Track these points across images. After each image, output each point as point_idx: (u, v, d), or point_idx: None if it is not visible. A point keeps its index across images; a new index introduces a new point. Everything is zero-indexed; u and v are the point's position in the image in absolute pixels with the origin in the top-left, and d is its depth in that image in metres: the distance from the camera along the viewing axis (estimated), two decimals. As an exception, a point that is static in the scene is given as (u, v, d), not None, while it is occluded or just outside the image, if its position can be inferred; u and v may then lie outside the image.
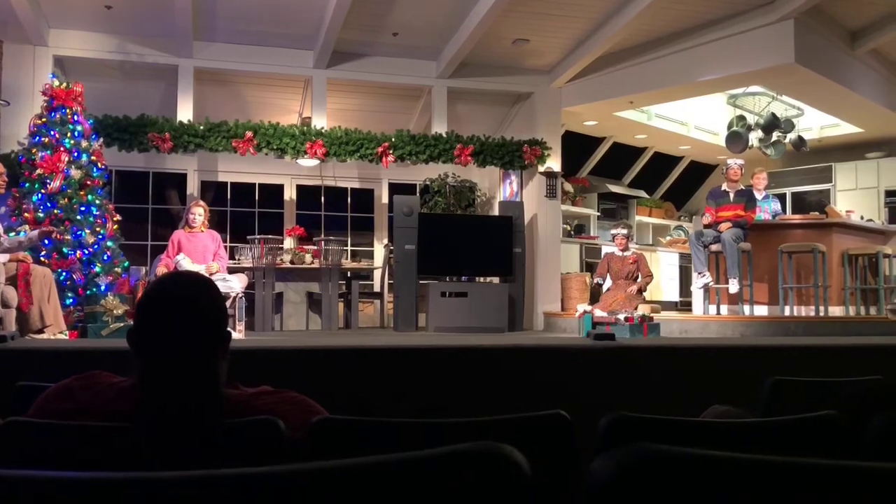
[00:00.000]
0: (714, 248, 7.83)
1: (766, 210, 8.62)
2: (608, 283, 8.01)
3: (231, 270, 7.24)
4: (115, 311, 5.92)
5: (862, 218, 9.53)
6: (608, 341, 4.01)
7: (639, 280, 8.06)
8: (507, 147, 8.64)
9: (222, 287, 6.27)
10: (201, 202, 7.05)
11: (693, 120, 10.27)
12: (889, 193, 10.41)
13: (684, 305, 10.58)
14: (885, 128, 9.99)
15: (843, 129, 10.30)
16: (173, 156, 8.10)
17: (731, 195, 7.89)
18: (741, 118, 9.24)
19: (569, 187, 10.43)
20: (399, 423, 1.48)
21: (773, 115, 9.08)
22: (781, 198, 11.22)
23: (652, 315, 7.31)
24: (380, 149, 8.17)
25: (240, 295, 6.56)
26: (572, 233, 10.08)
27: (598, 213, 10.77)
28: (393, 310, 8.26)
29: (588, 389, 3.60)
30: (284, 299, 8.54)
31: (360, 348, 3.27)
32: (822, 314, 7.66)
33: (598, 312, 7.33)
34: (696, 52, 7.82)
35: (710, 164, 12.25)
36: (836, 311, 7.99)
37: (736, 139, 9.20)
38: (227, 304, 6.35)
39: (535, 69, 8.83)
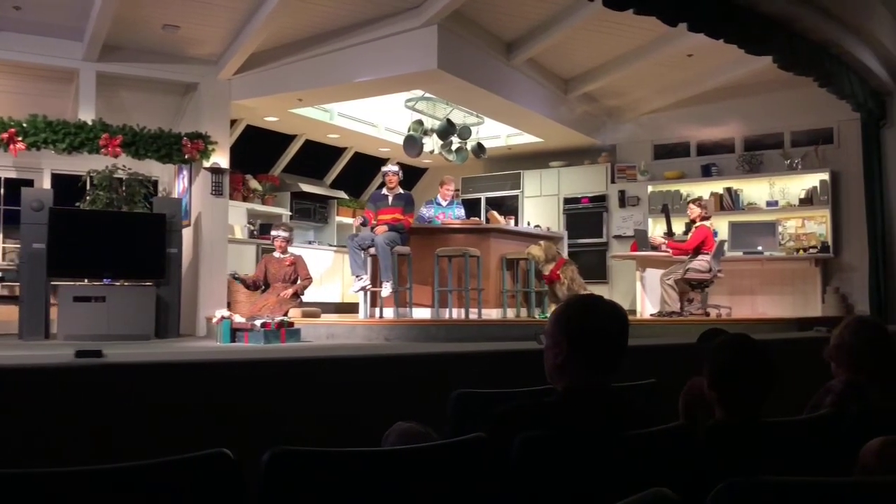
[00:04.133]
0: (372, 251, 7.75)
1: (450, 216, 8.74)
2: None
3: None
4: None
5: (528, 224, 10.00)
6: (93, 358, 3.59)
7: (297, 283, 7.83)
8: (164, 139, 8.04)
9: None
10: None
11: (383, 122, 10.25)
12: (567, 201, 11.04)
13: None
14: (561, 139, 10.55)
15: (526, 138, 10.75)
16: None
17: (390, 199, 7.87)
18: (419, 122, 9.31)
19: (256, 185, 10.02)
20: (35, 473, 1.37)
21: (449, 121, 9.22)
22: (476, 202, 11.59)
23: (293, 320, 7.06)
24: (5, 135, 7.26)
25: None
26: (255, 232, 9.68)
27: (291, 213, 10.45)
28: (18, 316, 7.38)
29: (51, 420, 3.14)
30: None
31: None
32: (475, 317, 7.84)
33: (238, 318, 6.96)
34: (353, 53, 7.70)
35: (419, 168, 12.38)
36: (492, 313, 8.22)
37: (411, 143, 9.25)
38: None
39: (201, 59, 8.31)
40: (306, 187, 10.52)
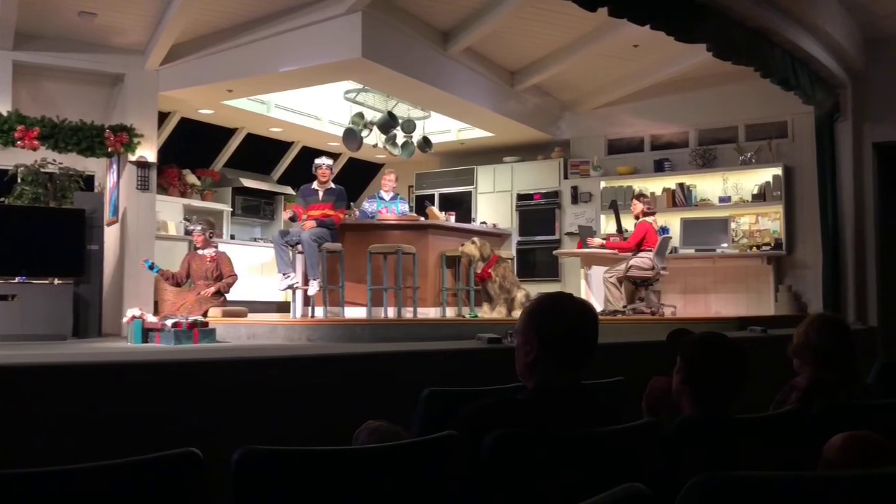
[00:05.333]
0: (301, 248, 7.47)
1: (394, 211, 8.49)
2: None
3: None
4: None
5: (473, 220, 9.72)
6: None
7: (221, 281, 7.55)
8: (86, 132, 7.74)
9: None
10: None
11: (327, 114, 9.93)
12: (520, 197, 10.75)
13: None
14: (512, 133, 10.25)
15: (477, 132, 10.47)
16: None
17: (321, 194, 7.60)
18: (360, 115, 9.01)
19: (194, 180, 9.72)
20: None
21: (390, 113, 8.92)
22: (430, 198, 11.30)
23: (207, 320, 6.77)
24: None
25: None
26: (192, 229, 9.36)
27: (232, 209, 10.14)
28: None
29: None
30: None
31: None
32: (412, 316, 7.58)
33: (150, 317, 6.67)
34: (278, 41, 7.40)
35: (374, 163, 12.09)
36: (430, 312, 7.96)
37: (351, 136, 8.95)
38: None
39: (126, 48, 8.00)
40: (248, 182, 10.22)
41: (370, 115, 9.00)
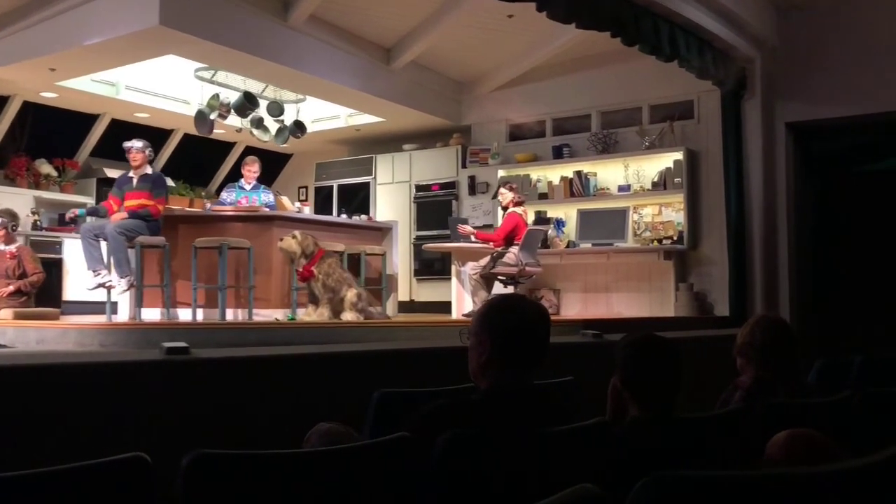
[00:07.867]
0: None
1: (255, 201, 7.74)
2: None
3: None
4: None
5: (343, 214, 8.86)
6: None
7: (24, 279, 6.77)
8: None
9: None
10: None
11: (195, 98, 9.10)
12: (418, 188, 9.87)
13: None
14: (405, 119, 9.38)
15: (369, 118, 9.61)
16: None
17: (135, 181, 6.80)
18: (216, 97, 8.19)
19: (49, 170, 8.96)
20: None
21: (247, 94, 8.10)
22: (328, 190, 10.53)
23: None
24: None
25: None
26: (40, 223, 8.63)
27: (96, 202, 9.35)
28: None
29: None
30: None
31: None
32: (246, 318, 6.79)
33: (-87, 320, 5.91)
34: (82, 12, 6.59)
35: (280, 153, 11.27)
36: (277, 314, 7.13)
37: (201, 119, 8.14)
38: None
39: (-64, 21, 7.26)
40: (113, 173, 9.41)
41: (226, 96, 8.18)
